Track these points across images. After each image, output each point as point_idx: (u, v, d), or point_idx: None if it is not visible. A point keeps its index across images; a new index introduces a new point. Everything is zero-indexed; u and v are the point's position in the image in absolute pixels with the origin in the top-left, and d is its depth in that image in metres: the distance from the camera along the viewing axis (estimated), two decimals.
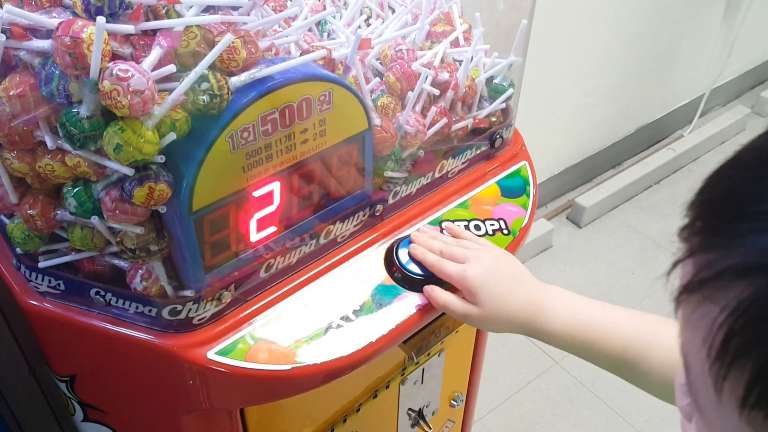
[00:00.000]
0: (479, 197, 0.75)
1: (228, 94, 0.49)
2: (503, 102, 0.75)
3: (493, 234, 0.72)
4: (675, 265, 0.30)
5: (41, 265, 0.56)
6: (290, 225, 0.61)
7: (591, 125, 2.04)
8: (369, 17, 0.80)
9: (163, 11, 0.49)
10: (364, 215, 0.67)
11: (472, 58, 0.71)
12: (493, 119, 0.76)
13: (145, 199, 0.48)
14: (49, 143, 0.47)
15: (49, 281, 0.57)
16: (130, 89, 0.44)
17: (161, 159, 0.48)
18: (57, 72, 0.44)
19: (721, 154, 2.29)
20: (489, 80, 0.75)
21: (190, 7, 0.49)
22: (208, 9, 0.51)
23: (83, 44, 0.42)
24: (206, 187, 0.51)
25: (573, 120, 1.96)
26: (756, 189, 0.27)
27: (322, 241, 0.64)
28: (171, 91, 0.47)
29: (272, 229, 0.59)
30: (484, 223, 0.72)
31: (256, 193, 0.56)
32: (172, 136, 0.48)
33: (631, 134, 2.20)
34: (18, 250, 0.56)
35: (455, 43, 0.75)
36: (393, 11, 0.81)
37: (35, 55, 0.45)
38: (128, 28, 0.46)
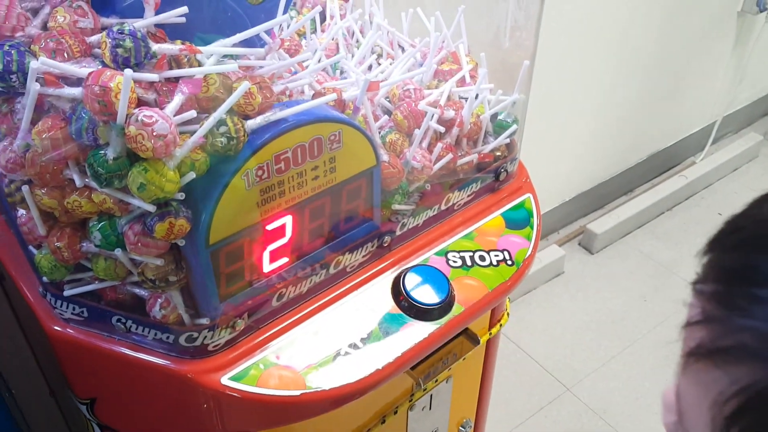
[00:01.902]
0: (484, 229, 0.78)
1: (244, 136, 0.53)
2: (507, 137, 0.78)
3: (498, 265, 0.74)
4: (688, 325, 0.31)
5: (66, 293, 0.60)
6: (301, 256, 0.64)
7: (603, 152, 2.06)
8: (380, 55, 0.84)
9: (185, 60, 0.53)
10: (372, 246, 0.70)
11: (477, 96, 0.74)
12: (498, 153, 0.79)
13: (165, 234, 0.52)
14: (78, 181, 0.51)
15: (73, 308, 0.60)
16: (154, 134, 0.47)
17: (181, 196, 0.52)
18: (86, 117, 0.48)
19: (733, 181, 2.30)
20: (494, 116, 0.78)
21: (210, 55, 0.53)
22: (227, 56, 0.55)
23: (111, 93, 0.46)
24: (222, 222, 0.55)
25: (585, 147, 1.98)
26: (758, 270, 0.28)
27: (331, 271, 0.67)
28: (192, 133, 0.51)
29: (284, 260, 0.62)
30: (488, 254, 0.75)
31: (270, 227, 0.59)
32: (191, 176, 0.51)
33: (643, 161, 2.22)
34: (44, 278, 0.60)
35: (462, 82, 0.79)
36: (403, 50, 0.85)
37: (66, 101, 0.49)
38: (152, 76, 0.50)
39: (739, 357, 0.28)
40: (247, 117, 0.54)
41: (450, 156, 0.72)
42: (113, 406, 0.68)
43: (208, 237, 0.54)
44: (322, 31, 0.89)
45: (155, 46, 0.51)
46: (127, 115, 0.47)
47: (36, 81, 0.47)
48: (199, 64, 0.53)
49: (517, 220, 0.80)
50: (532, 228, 0.80)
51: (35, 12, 0.53)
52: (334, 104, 0.64)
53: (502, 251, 0.76)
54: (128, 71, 0.46)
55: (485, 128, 0.77)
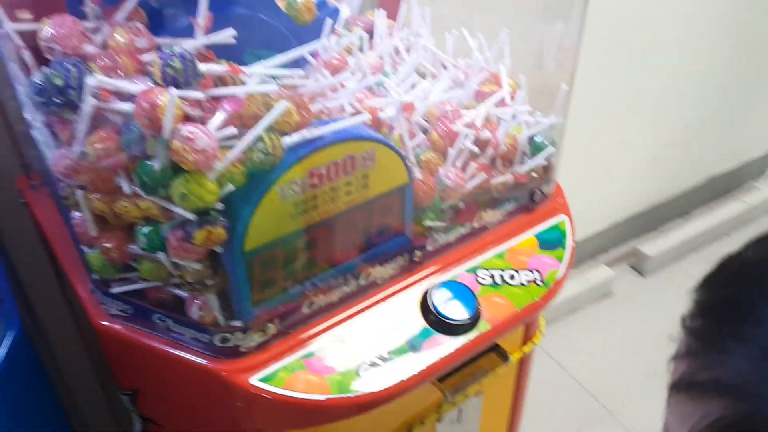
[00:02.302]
0: (516, 248, 0.79)
1: (280, 152, 0.56)
2: (543, 159, 0.79)
3: (527, 284, 0.75)
4: (673, 358, 0.33)
5: (114, 291, 0.64)
6: (333, 266, 0.67)
7: (659, 172, 2.02)
8: (424, 75, 0.87)
9: (230, 79, 0.56)
10: (403, 260, 0.72)
11: (513, 117, 0.76)
12: (534, 175, 0.80)
13: (204, 241, 0.55)
14: (126, 189, 0.55)
15: (119, 305, 0.65)
16: (196, 148, 0.51)
17: (220, 206, 0.56)
18: (136, 130, 0.52)
19: None
20: (531, 138, 0.79)
21: (252, 75, 0.57)
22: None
23: (158, 110, 0.50)
24: (258, 231, 0.58)
25: (640, 166, 1.95)
26: (752, 310, 0.29)
27: (362, 282, 0.69)
28: (232, 147, 0.55)
29: (316, 269, 0.65)
30: (518, 273, 0.76)
31: (303, 238, 0.62)
32: (230, 188, 0.55)
33: (701, 184, 2.16)
34: (94, 276, 0.65)
35: (502, 103, 0.80)
36: (446, 69, 0.87)
37: (119, 115, 0.54)
38: (198, 95, 0.53)
39: (712, 392, 0.29)
40: (284, 134, 0.57)
41: (484, 176, 0.73)
42: (153, 399, 0.73)
43: (244, 245, 0.58)
44: (371, 49, 0.92)
45: (202, 67, 0.54)
46: (172, 130, 0.51)
47: (92, 96, 0.52)
48: (242, 83, 0.56)
49: (551, 241, 0.81)
50: (564, 249, 0.80)
51: (95, 31, 0.58)
52: (371, 123, 0.67)
53: (532, 271, 0.77)
54: (174, 91, 0.50)
55: (522, 149, 0.78)
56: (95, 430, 1.18)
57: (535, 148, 0.80)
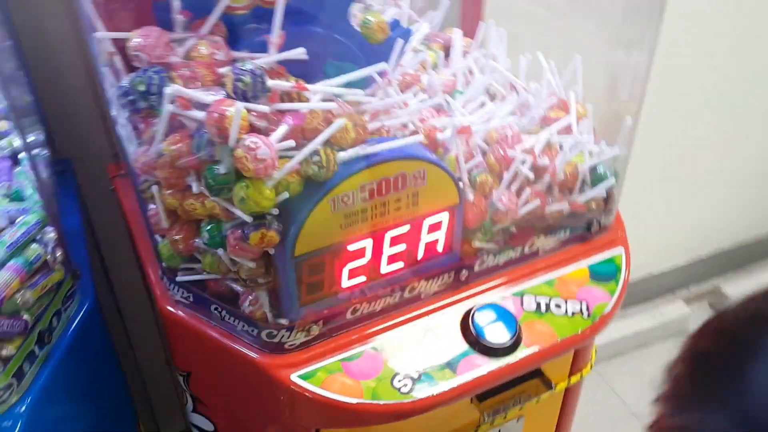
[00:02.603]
0: (566, 277, 0.79)
1: (334, 166, 0.60)
2: (603, 190, 0.78)
3: (572, 315, 0.75)
4: (653, 401, 0.34)
5: (178, 279, 0.70)
6: (378, 278, 0.70)
7: (748, 208, 1.92)
8: (494, 96, 0.88)
9: (295, 95, 0.61)
10: (449, 278, 0.74)
11: (575, 145, 0.76)
12: (593, 205, 0.80)
13: (258, 242, 0.60)
14: (194, 188, 0.61)
15: (182, 293, 0.70)
16: (257, 158, 0.55)
17: (275, 212, 0.60)
18: (206, 136, 0.58)
19: None
20: (593, 167, 0.79)
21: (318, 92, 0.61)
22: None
23: (226, 120, 0.55)
24: (308, 238, 0.62)
25: (726, 201, 1.86)
26: (738, 374, 0.30)
27: (406, 295, 0.72)
28: (291, 157, 0.59)
29: (362, 279, 0.69)
30: (565, 303, 0.76)
31: (351, 247, 0.66)
32: (285, 195, 0.59)
33: None
34: (163, 264, 0.71)
35: (567, 130, 0.80)
36: (517, 92, 0.88)
37: (193, 121, 0.59)
38: (264, 108, 0.58)
39: None
40: (341, 148, 0.61)
41: (538, 202, 0.74)
42: (204, 382, 0.78)
43: (294, 249, 0.62)
44: (447, 66, 0.95)
45: (270, 82, 0.59)
46: (237, 139, 0.56)
47: (170, 102, 0.57)
48: (306, 99, 0.61)
49: (603, 274, 0.80)
50: (617, 283, 0.80)
51: (180, 41, 0.64)
52: (429, 142, 0.69)
53: (580, 302, 0.77)
54: (240, 105, 0.54)
55: (582, 178, 0.79)
56: (156, 401, 1.27)
57: (596, 178, 0.80)
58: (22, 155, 0.77)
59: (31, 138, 0.82)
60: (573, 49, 0.93)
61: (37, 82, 0.92)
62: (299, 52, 0.62)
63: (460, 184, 0.69)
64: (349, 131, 0.60)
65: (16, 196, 0.72)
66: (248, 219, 0.59)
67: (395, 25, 0.77)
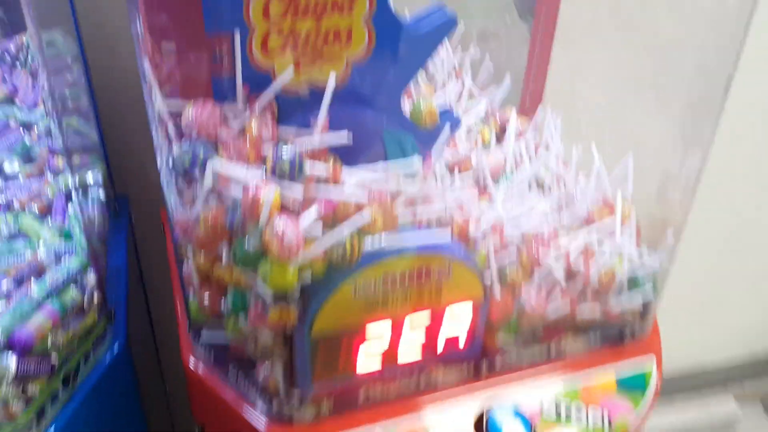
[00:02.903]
0: (591, 385, 0.77)
1: (358, 255, 0.61)
2: (639, 300, 0.76)
3: (591, 426, 0.73)
4: None
5: (202, 337, 0.72)
6: (394, 363, 0.70)
7: None
8: (541, 185, 0.88)
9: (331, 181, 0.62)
10: (468, 370, 0.73)
11: (614, 252, 0.75)
12: (628, 315, 0.78)
13: (276, 318, 0.61)
14: (224, 259, 0.63)
15: (205, 350, 0.72)
16: (282, 242, 0.57)
17: (297, 291, 0.61)
18: (239, 213, 0.60)
19: None
20: (632, 276, 0.77)
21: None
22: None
23: (258, 204, 0.57)
24: (326, 320, 0.63)
25: None
26: None
27: (421, 383, 0.72)
28: (318, 238, 0.60)
29: (377, 362, 0.69)
30: (586, 410, 0.74)
31: (369, 333, 0.66)
32: (308, 277, 0.61)
33: None
34: (191, 318, 0.73)
35: (609, 232, 0.79)
36: (565, 184, 0.87)
37: (230, 196, 0.61)
38: (298, 192, 0.60)
39: None
40: (367, 235, 0.62)
41: (568, 307, 0.73)
42: None
43: (312, 328, 0.63)
44: (500, 144, 0.95)
45: (308, 166, 0.61)
46: (267, 221, 0.58)
47: (211, 177, 0.60)
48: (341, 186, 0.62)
49: (631, 384, 0.77)
50: (644, 396, 0.77)
51: (235, 114, 0.67)
52: (459, 233, 0.69)
53: (602, 411, 0.74)
54: (271, 191, 0.56)
55: (619, 285, 0.77)
56: None
57: (634, 285, 0.77)
58: (73, 196, 0.82)
59: (88, 177, 0.87)
60: (628, 140, 0.91)
61: (104, 118, 0.97)
62: (341, 136, 0.64)
63: (487, 281, 0.68)
64: (377, 222, 0.61)
65: (67, 235, 0.76)
66: (269, 296, 0.61)
67: (445, 112, 0.77)
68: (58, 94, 0.98)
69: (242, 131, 0.65)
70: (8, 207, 0.85)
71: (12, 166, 0.93)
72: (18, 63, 1.04)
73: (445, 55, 1.08)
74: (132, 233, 0.98)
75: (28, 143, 0.92)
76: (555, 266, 0.72)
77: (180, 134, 0.66)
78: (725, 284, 1.67)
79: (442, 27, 0.70)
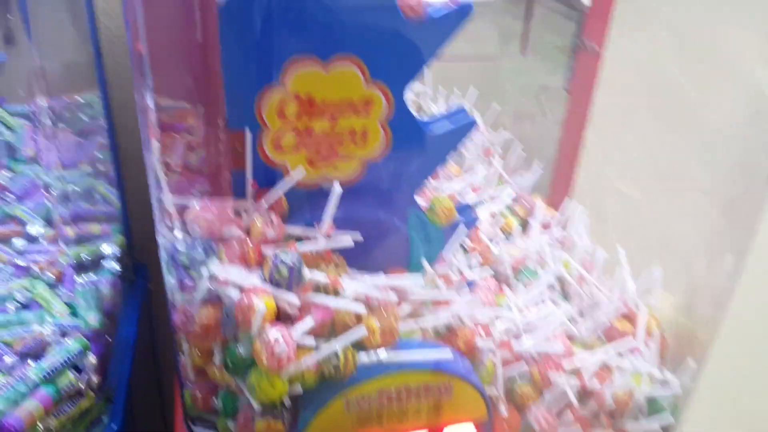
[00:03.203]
0: None
1: (352, 368, 0.58)
2: (657, 426, 0.71)
3: None
4: None
5: (195, 427, 0.70)
6: None
7: None
8: (565, 284, 0.84)
9: (331, 289, 0.60)
10: None
11: (628, 375, 0.70)
12: None
13: (264, 430, 0.59)
14: (217, 361, 0.61)
15: None
16: (273, 353, 0.55)
17: (287, 403, 0.59)
18: (233, 318, 0.58)
19: None
20: (651, 398, 0.72)
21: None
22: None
23: (251, 312, 0.55)
24: None
25: None
26: None
27: None
28: (311, 347, 0.58)
29: None
30: None
31: None
32: (298, 389, 0.58)
33: None
34: (186, 407, 0.71)
35: (634, 349, 0.74)
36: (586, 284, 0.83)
37: (226, 298, 0.60)
38: (294, 300, 0.58)
39: None
40: (363, 348, 0.59)
41: (579, 430, 0.68)
42: None
43: None
44: (527, 234, 0.92)
45: (307, 273, 0.59)
46: (258, 331, 0.56)
47: (209, 279, 0.59)
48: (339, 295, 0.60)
49: None
50: None
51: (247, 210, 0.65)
52: (465, 346, 0.66)
53: None
54: (263, 305, 0.54)
55: (637, 406, 0.72)
56: None
57: (652, 408, 0.72)
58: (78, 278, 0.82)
59: (104, 248, 0.87)
60: (657, 241, 0.87)
61: (128, 184, 0.98)
62: (347, 240, 0.62)
63: (490, 401, 0.65)
64: (375, 335, 0.59)
65: (73, 311, 0.76)
66: (256, 407, 0.58)
67: (463, 209, 0.75)
68: (87, 157, 0.99)
69: (250, 227, 0.63)
70: (27, 270, 0.86)
71: (35, 228, 0.94)
72: (39, 123, 1.06)
73: (477, 135, 1.07)
74: (149, 302, 0.97)
75: (50, 206, 0.93)
76: (568, 384, 0.67)
77: (185, 227, 0.65)
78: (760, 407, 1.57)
79: (461, 129, 0.69)
